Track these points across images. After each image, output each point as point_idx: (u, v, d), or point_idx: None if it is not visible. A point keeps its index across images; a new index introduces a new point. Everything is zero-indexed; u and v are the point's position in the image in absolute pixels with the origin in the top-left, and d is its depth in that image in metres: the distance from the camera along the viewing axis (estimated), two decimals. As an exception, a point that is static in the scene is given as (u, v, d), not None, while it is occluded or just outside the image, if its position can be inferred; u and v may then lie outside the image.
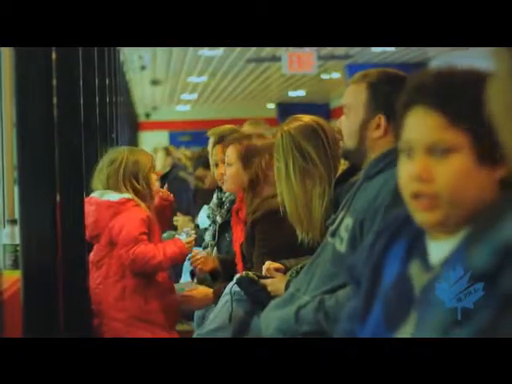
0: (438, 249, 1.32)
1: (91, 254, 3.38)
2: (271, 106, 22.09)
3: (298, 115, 2.87)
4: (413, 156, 1.32)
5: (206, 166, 5.44)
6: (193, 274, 3.94)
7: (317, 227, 2.69)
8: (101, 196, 3.36)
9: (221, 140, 3.77)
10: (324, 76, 16.05)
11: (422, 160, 1.30)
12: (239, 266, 3.26)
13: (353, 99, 2.24)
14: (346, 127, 2.26)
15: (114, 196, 3.34)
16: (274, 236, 2.99)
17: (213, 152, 3.81)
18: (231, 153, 3.21)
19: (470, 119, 1.28)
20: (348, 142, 2.27)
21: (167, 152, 8.21)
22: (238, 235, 3.33)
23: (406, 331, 1.30)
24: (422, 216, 1.32)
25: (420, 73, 1.37)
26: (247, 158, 3.16)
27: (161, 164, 8.13)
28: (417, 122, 1.33)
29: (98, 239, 3.37)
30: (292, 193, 2.72)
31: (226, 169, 3.25)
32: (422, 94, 1.33)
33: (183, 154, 9.88)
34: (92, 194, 3.38)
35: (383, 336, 1.34)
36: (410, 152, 1.32)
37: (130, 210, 3.32)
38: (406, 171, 1.33)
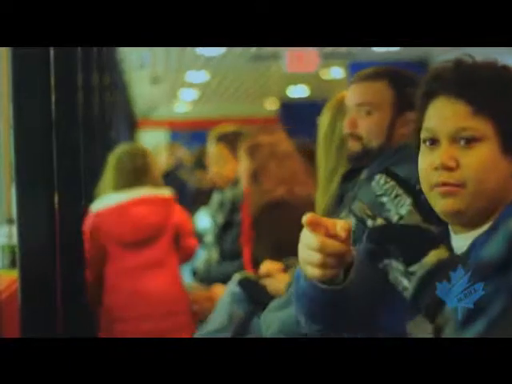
0: (459, 242, 1.31)
1: (144, 258, 3.27)
2: (272, 105, 22.09)
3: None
4: (436, 145, 1.30)
5: (205, 166, 5.45)
6: (194, 274, 3.94)
7: None
8: (139, 195, 3.27)
9: (221, 139, 3.77)
10: (325, 75, 16.05)
11: (447, 148, 1.28)
12: (247, 265, 3.25)
13: (376, 97, 2.16)
14: (372, 126, 2.16)
15: (159, 191, 3.29)
16: (274, 229, 3.01)
17: (213, 152, 3.81)
18: (241, 150, 3.26)
19: (495, 109, 1.27)
20: (373, 141, 2.17)
21: (171, 150, 8.23)
22: (245, 232, 3.33)
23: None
24: (443, 203, 1.29)
25: (439, 63, 1.36)
26: (252, 152, 3.21)
27: (164, 162, 8.15)
28: (440, 111, 1.31)
29: (154, 240, 3.28)
30: None
31: (239, 166, 3.32)
32: (442, 84, 1.31)
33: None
34: (129, 195, 3.29)
35: (399, 325, 1.33)
36: (432, 142, 1.31)
37: (175, 201, 3.32)
38: (429, 161, 1.31)
